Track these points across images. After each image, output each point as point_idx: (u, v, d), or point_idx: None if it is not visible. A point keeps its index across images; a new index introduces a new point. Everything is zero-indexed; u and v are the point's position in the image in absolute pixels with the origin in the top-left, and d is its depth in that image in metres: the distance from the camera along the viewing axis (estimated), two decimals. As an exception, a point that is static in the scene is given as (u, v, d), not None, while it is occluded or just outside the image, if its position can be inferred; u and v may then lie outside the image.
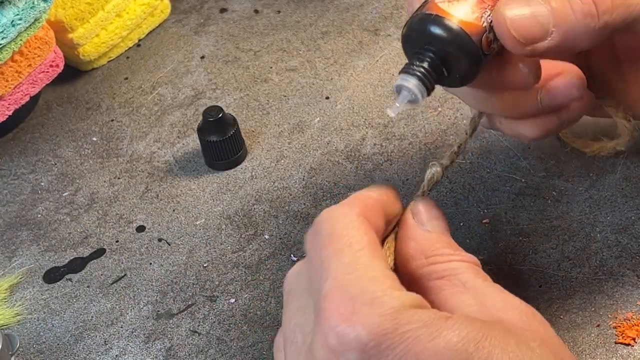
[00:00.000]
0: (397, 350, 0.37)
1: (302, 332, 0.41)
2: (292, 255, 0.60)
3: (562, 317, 0.54)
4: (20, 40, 0.68)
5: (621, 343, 0.52)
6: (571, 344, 0.52)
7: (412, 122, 0.67)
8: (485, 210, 0.60)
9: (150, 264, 0.62)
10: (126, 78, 0.77)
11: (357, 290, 0.39)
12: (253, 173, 0.67)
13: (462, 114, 0.67)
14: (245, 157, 0.68)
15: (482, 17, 0.46)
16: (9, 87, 0.70)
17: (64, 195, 0.68)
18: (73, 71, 0.78)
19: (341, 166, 0.66)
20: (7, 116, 0.71)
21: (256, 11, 0.81)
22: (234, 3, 0.83)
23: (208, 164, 0.68)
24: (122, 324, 0.59)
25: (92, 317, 0.59)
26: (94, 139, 0.72)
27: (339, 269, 0.40)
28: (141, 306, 0.59)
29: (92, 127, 0.73)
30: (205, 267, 0.61)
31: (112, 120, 0.73)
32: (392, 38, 0.75)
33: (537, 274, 0.56)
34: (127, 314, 0.59)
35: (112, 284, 0.61)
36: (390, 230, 0.46)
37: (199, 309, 0.58)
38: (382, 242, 0.46)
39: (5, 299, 0.61)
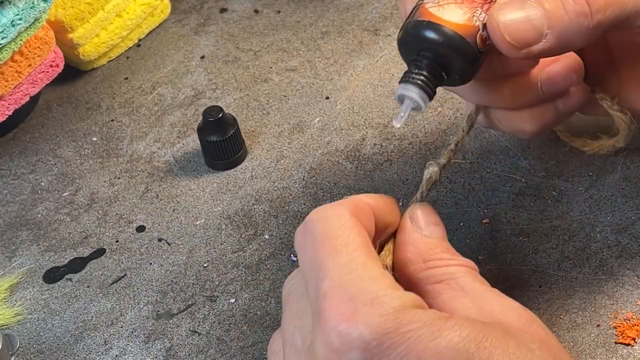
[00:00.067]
0: (398, 349, 0.37)
1: (301, 334, 0.41)
2: (292, 255, 0.60)
3: (562, 317, 0.54)
4: (20, 40, 0.68)
5: (621, 343, 0.52)
6: (571, 344, 0.52)
7: (412, 122, 0.67)
8: (485, 210, 0.60)
9: (150, 264, 0.62)
10: (126, 78, 0.77)
11: (356, 290, 0.39)
12: (253, 173, 0.67)
13: (462, 114, 0.67)
14: (245, 157, 0.68)
15: (473, 16, 0.46)
16: (9, 87, 0.70)
17: (64, 195, 0.68)
18: (73, 71, 0.78)
19: (341, 166, 0.66)
20: (7, 116, 0.71)
21: (256, 11, 0.81)
22: (234, 3, 0.83)
23: (208, 164, 0.68)
24: (122, 324, 0.59)
25: (92, 317, 0.59)
26: (94, 139, 0.72)
27: (336, 269, 0.40)
28: (141, 306, 0.59)
29: (92, 127, 0.73)
30: (205, 267, 0.61)
31: (112, 120, 0.74)
32: (392, 38, 0.75)
33: (537, 274, 0.56)
34: (127, 314, 0.59)
35: (112, 284, 0.61)
36: (389, 235, 0.46)
37: (199, 309, 0.58)
38: (382, 246, 0.46)
39: (5, 299, 0.61)
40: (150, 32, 0.81)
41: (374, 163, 0.65)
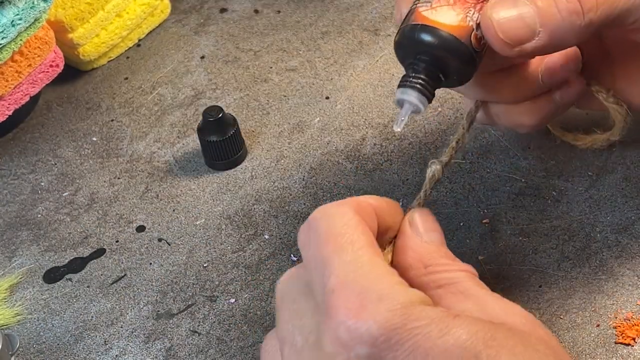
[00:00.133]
0: (406, 345, 0.37)
1: (301, 333, 0.41)
2: (292, 255, 0.60)
3: (562, 317, 0.54)
4: (20, 40, 0.68)
5: (621, 343, 0.52)
6: (571, 344, 0.52)
7: (412, 122, 0.67)
8: (485, 210, 0.60)
9: (150, 264, 0.62)
10: (126, 78, 0.77)
11: (364, 286, 0.39)
12: (253, 173, 0.67)
13: (462, 114, 0.67)
14: (245, 157, 0.68)
15: (467, 17, 0.46)
16: (9, 87, 0.70)
17: (64, 195, 0.68)
18: (73, 71, 0.78)
19: (341, 166, 0.66)
20: (7, 116, 0.71)
21: (256, 11, 0.81)
22: (234, 3, 0.83)
23: (208, 164, 0.68)
24: (122, 324, 0.59)
25: (92, 317, 0.59)
26: (94, 139, 0.72)
27: (341, 266, 0.40)
28: (141, 306, 0.59)
29: (92, 127, 0.73)
30: (205, 267, 0.61)
31: (112, 120, 0.74)
32: (392, 38, 0.75)
33: (537, 274, 0.56)
34: (127, 314, 0.59)
35: (112, 284, 0.61)
36: (389, 239, 0.46)
37: (199, 309, 0.58)
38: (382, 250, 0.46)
39: (5, 299, 0.61)
40: (150, 32, 0.81)
41: (374, 163, 0.65)
